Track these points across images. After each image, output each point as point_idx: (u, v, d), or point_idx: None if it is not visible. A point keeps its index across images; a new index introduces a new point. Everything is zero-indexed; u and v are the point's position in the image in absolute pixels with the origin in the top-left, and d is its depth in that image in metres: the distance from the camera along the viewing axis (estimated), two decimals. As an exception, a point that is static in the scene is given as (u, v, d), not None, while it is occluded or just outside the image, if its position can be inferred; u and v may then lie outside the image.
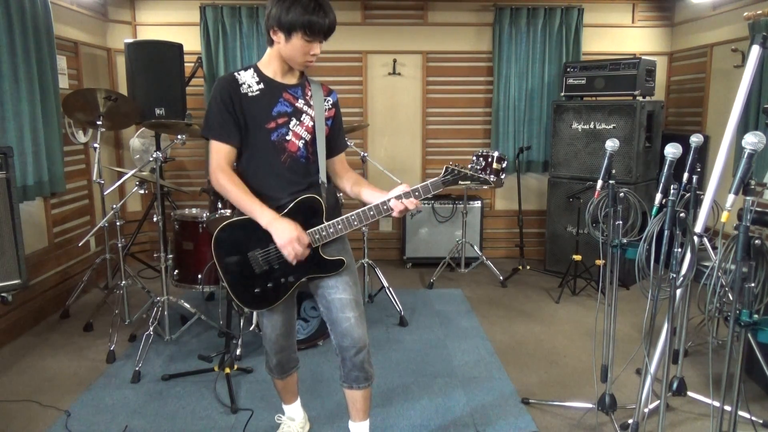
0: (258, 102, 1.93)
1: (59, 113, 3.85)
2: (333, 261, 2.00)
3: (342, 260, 2.01)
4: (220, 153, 1.92)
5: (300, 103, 1.99)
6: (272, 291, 2.00)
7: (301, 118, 1.98)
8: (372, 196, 2.00)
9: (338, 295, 2.00)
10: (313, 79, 2.07)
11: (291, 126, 1.97)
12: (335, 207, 2.13)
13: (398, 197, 1.88)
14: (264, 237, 1.93)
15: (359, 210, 1.93)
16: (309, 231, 1.95)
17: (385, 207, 1.90)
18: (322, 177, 2.04)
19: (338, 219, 1.94)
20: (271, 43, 1.91)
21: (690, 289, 2.48)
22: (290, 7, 1.80)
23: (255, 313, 2.11)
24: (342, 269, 2.02)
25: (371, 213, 1.92)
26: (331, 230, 1.95)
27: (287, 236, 1.86)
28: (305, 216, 1.96)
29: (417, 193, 1.89)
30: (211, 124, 1.93)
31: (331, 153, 2.11)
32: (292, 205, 1.96)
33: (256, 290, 2.00)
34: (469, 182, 1.95)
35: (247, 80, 1.94)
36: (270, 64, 1.96)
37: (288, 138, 1.96)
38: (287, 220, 1.89)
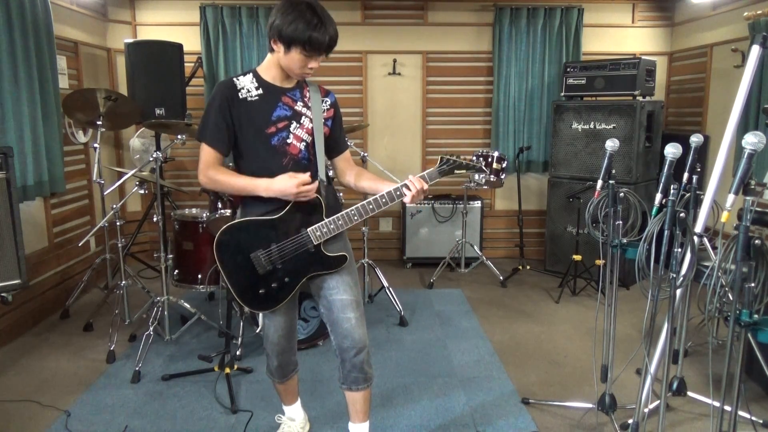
0: (257, 107, 1.94)
1: (59, 113, 3.85)
2: (336, 257, 2.01)
3: (345, 256, 2.02)
4: (210, 155, 1.95)
5: (299, 106, 2.00)
6: (276, 291, 2.01)
7: (301, 121, 2.00)
8: (370, 186, 2.05)
9: (339, 296, 2.01)
10: (310, 81, 2.08)
11: (291, 129, 1.98)
12: (335, 206, 2.13)
13: (407, 183, 1.91)
14: (265, 238, 1.94)
15: (371, 197, 1.94)
16: (310, 229, 1.95)
17: (398, 192, 1.92)
18: (321, 176, 2.05)
19: (338, 215, 1.96)
20: (272, 50, 1.93)
21: (690, 289, 2.48)
22: (293, 21, 1.81)
23: (261, 315, 2.11)
24: (343, 267, 2.03)
25: (383, 200, 1.93)
26: (332, 226, 1.95)
27: (290, 183, 1.88)
28: (305, 214, 1.97)
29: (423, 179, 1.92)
30: (205, 128, 1.95)
31: (334, 152, 2.14)
32: (292, 203, 1.96)
33: (260, 291, 2.00)
34: (465, 171, 1.95)
35: (246, 85, 1.95)
36: (269, 69, 1.98)
37: (289, 141, 1.97)
38: (280, 176, 1.90)
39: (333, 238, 1.99)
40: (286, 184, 1.88)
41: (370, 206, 1.93)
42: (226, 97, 1.91)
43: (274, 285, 2.00)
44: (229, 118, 1.92)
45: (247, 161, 1.98)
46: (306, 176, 1.91)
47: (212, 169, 1.93)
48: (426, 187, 1.92)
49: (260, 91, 1.95)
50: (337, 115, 2.12)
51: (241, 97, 1.93)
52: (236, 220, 2.00)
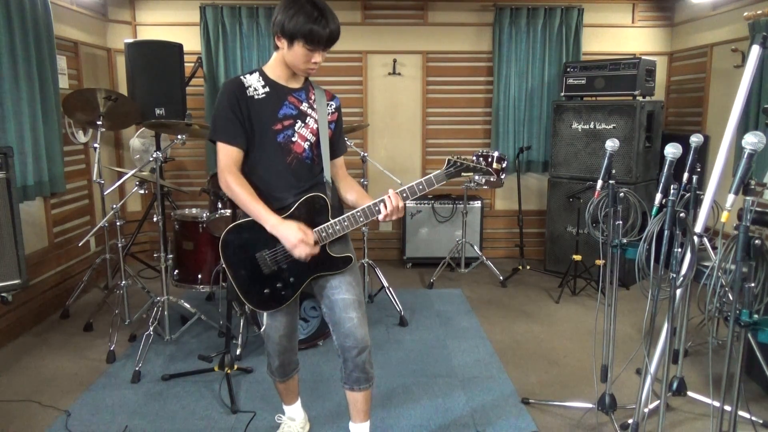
0: (264, 104, 1.95)
1: (59, 113, 3.85)
2: (341, 258, 2.02)
3: (349, 257, 2.03)
4: (228, 155, 1.93)
5: (304, 106, 2.02)
6: (281, 291, 2.01)
7: (306, 121, 2.01)
8: (354, 201, 2.08)
9: (341, 295, 2.02)
10: (316, 85, 2.10)
11: (296, 128, 1.99)
12: (339, 206, 2.14)
13: (384, 199, 1.91)
14: (271, 237, 1.94)
15: (348, 213, 1.97)
16: (315, 229, 1.96)
17: (376, 208, 1.93)
18: (327, 177, 2.06)
19: (344, 216, 1.96)
20: (276, 48, 1.94)
21: (690, 289, 2.48)
22: (294, 15, 1.83)
23: (265, 315, 2.12)
24: (348, 267, 2.03)
25: (360, 216, 1.95)
26: (338, 227, 1.96)
27: (294, 238, 1.88)
28: (311, 214, 1.98)
29: (421, 187, 1.92)
30: (218, 127, 1.94)
31: (330, 156, 2.13)
32: (297, 204, 1.97)
33: (265, 291, 2.01)
34: (471, 173, 1.96)
35: (253, 83, 1.96)
36: (275, 68, 1.99)
37: (294, 140, 1.98)
38: (291, 222, 1.90)
39: (336, 239, 2.00)
40: (292, 235, 1.87)
41: (345, 223, 1.94)
42: (235, 94, 1.92)
43: (278, 285, 2.00)
44: (240, 114, 1.92)
45: (252, 158, 1.98)
46: (313, 236, 1.92)
47: (232, 176, 1.91)
48: (402, 204, 1.91)
49: (267, 89, 1.97)
50: (339, 120, 2.14)
51: (248, 94, 1.94)
52: (242, 220, 2.00)
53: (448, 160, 1.95)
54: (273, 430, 2.49)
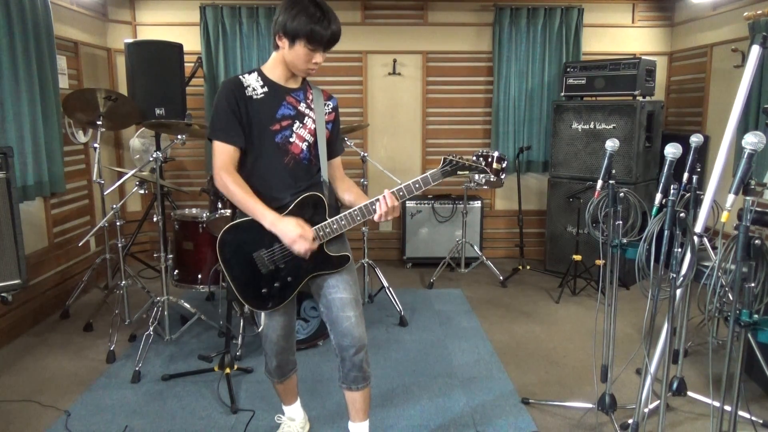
0: (262, 105, 1.96)
1: (59, 113, 3.85)
2: (338, 257, 2.02)
3: (347, 256, 2.04)
4: (224, 154, 1.94)
5: (302, 107, 2.02)
6: (279, 290, 2.02)
7: (304, 121, 2.02)
8: (350, 201, 2.09)
9: (339, 294, 2.02)
10: (314, 85, 2.10)
11: (294, 128, 1.99)
12: (336, 206, 2.15)
13: (380, 199, 1.90)
14: (268, 237, 1.94)
15: (344, 212, 1.97)
16: (313, 228, 1.96)
17: (373, 207, 1.93)
18: (324, 176, 2.06)
19: (341, 215, 1.96)
20: (277, 47, 1.95)
21: (690, 289, 2.48)
22: (296, 15, 1.84)
23: (263, 315, 2.13)
24: (345, 266, 2.03)
25: (356, 215, 1.95)
26: (335, 226, 1.96)
27: (292, 234, 1.88)
28: (308, 213, 1.98)
29: (417, 185, 1.92)
30: (217, 126, 1.95)
31: (328, 156, 2.13)
32: (295, 203, 1.98)
33: (263, 290, 2.01)
34: (467, 172, 1.95)
35: (252, 83, 1.96)
36: (274, 68, 1.99)
37: (291, 140, 1.99)
38: (289, 219, 1.91)
39: (333, 238, 2.00)
40: (291, 230, 1.88)
41: (342, 221, 1.95)
42: (234, 93, 1.93)
43: (276, 284, 2.00)
44: (238, 113, 1.93)
45: (250, 158, 1.99)
46: (312, 232, 1.92)
47: (228, 174, 1.92)
48: (397, 203, 1.91)
49: (265, 89, 1.97)
50: (336, 120, 2.15)
51: (247, 94, 1.95)
52: (239, 219, 2.00)
53: (444, 158, 1.95)
54: (273, 430, 2.49)
